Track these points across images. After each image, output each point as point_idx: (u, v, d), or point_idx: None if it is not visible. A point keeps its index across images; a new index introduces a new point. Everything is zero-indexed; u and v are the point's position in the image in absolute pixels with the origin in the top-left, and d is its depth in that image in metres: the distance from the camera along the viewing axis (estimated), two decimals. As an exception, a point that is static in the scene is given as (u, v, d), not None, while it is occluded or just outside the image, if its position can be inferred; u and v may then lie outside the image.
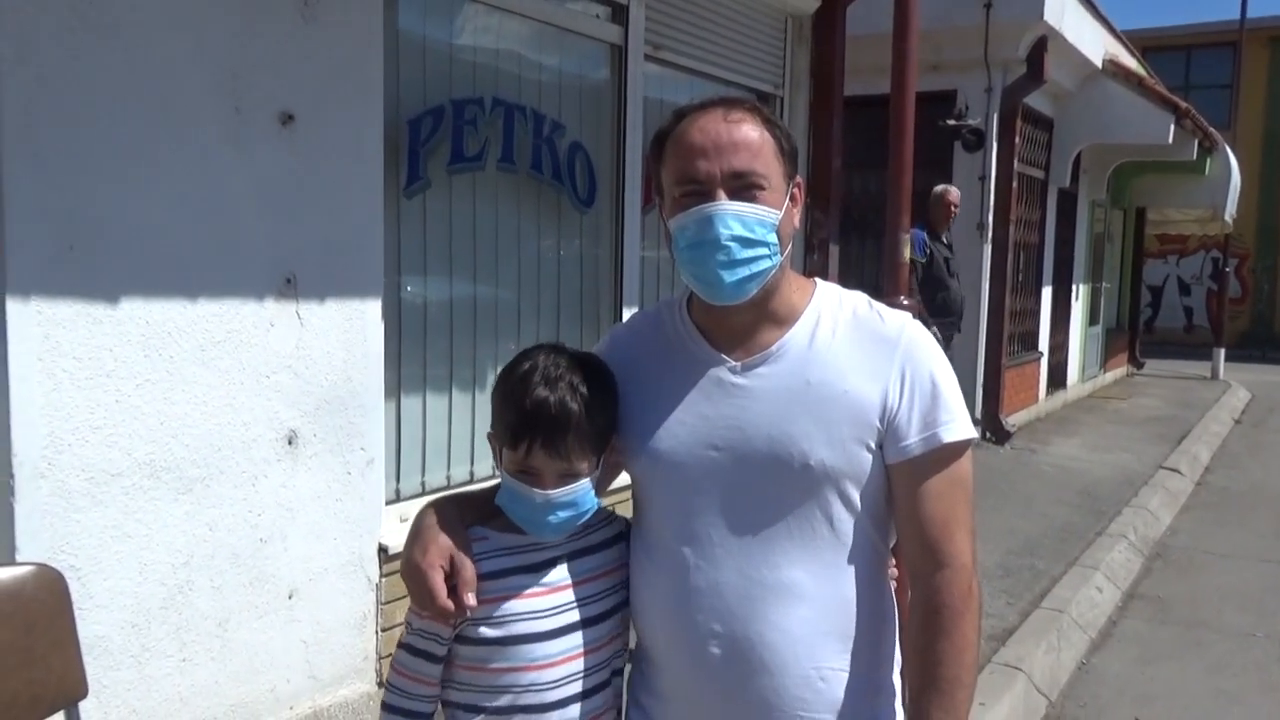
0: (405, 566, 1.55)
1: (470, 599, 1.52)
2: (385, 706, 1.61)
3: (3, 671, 1.87)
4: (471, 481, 4.01)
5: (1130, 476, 8.06)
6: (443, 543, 1.53)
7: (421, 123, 3.74)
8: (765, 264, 1.51)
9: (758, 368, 1.55)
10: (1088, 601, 5.23)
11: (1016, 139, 9.13)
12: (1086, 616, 5.10)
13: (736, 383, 1.55)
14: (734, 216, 1.48)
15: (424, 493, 3.81)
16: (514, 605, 1.56)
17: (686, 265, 1.52)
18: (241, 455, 2.99)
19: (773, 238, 1.50)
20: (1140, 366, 16.20)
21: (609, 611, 1.64)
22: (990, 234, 9.03)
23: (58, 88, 2.52)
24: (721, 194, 1.48)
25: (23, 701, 1.90)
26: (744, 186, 1.49)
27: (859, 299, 1.63)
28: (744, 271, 1.49)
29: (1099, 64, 10.05)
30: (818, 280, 1.65)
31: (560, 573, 1.61)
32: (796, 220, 1.58)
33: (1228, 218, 13.66)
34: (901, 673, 1.65)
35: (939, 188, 7.61)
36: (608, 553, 1.67)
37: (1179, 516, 7.47)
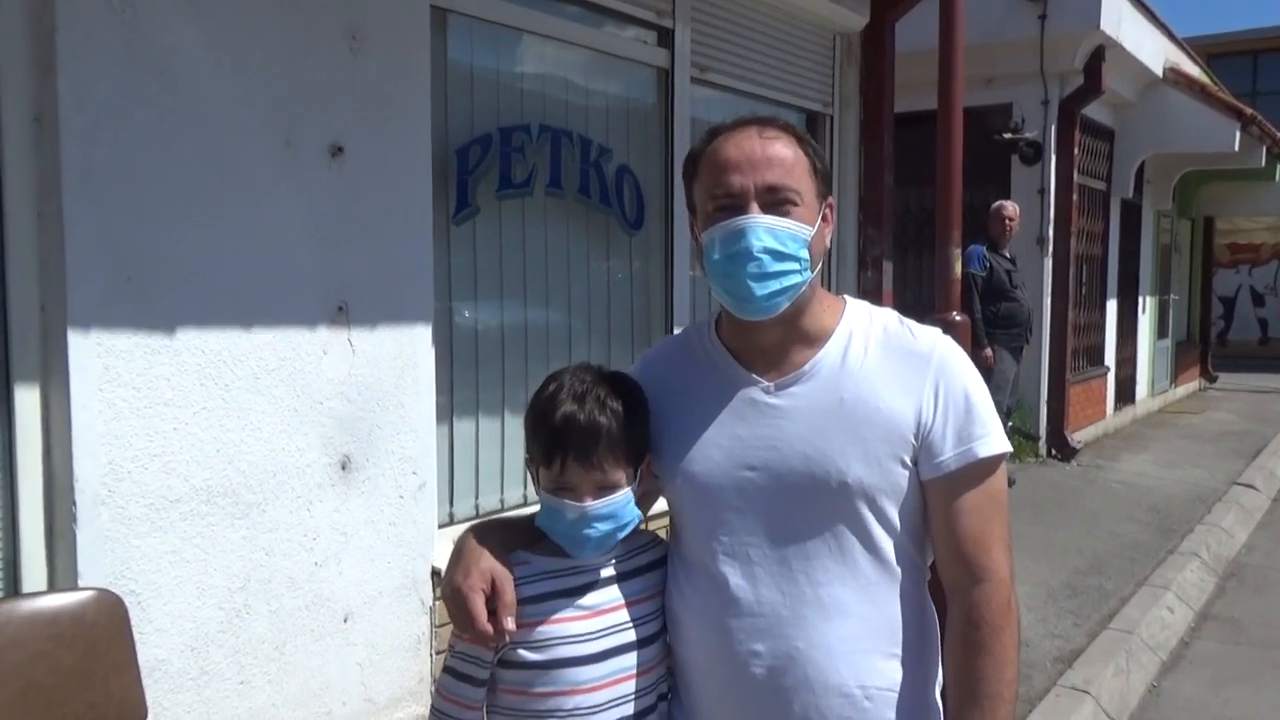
0: (446, 589, 1.56)
1: (510, 623, 1.52)
2: (428, 730, 1.62)
3: (65, 694, 1.92)
4: (525, 505, 4.03)
5: (1202, 493, 7.83)
6: (484, 566, 1.53)
7: (469, 151, 3.79)
8: (795, 279, 1.50)
9: (791, 387, 1.55)
10: (1158, 622, 5.08)
11: (1075, 150, 8.98)
12: (1157, 638, 4.95)
13: (770, 403, 1.55)
14: (766, 229, 1.48)
15: (477, 516, 3.84)
16: (556, 629, 1.56)
17: (718, 278, 1.52)
18: (296, 480, 3.04)
19: (804, 253, 1.50)
20: (1213, 380, 15.74)
21: (657, 634, 1.62)
22: (1051, 247, 8.88)
23: (115, 127, 2.60)
24: (755, 207, 1.49)
25: (84, 723, 1.94)
26: (777, 201, 1.49)
27: (889, 316, 1.62)
28: (774, 285, 1.48)
29: (1159, 73, 9.86)
30: (847, 298, 1.65)
31: (605, 596, 1.60)
32: (827, 240, 1.58)
33: (1301, 225, 13.29)
34: (941, 692, 1.62)
35: (996, 204, 7.72)
36: (654, 575, 1.66)
37: (1254, 534, 7.23)
